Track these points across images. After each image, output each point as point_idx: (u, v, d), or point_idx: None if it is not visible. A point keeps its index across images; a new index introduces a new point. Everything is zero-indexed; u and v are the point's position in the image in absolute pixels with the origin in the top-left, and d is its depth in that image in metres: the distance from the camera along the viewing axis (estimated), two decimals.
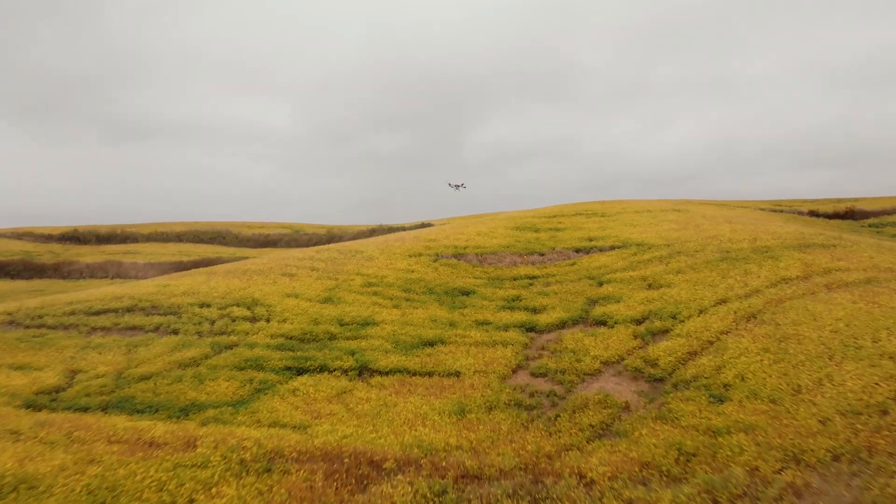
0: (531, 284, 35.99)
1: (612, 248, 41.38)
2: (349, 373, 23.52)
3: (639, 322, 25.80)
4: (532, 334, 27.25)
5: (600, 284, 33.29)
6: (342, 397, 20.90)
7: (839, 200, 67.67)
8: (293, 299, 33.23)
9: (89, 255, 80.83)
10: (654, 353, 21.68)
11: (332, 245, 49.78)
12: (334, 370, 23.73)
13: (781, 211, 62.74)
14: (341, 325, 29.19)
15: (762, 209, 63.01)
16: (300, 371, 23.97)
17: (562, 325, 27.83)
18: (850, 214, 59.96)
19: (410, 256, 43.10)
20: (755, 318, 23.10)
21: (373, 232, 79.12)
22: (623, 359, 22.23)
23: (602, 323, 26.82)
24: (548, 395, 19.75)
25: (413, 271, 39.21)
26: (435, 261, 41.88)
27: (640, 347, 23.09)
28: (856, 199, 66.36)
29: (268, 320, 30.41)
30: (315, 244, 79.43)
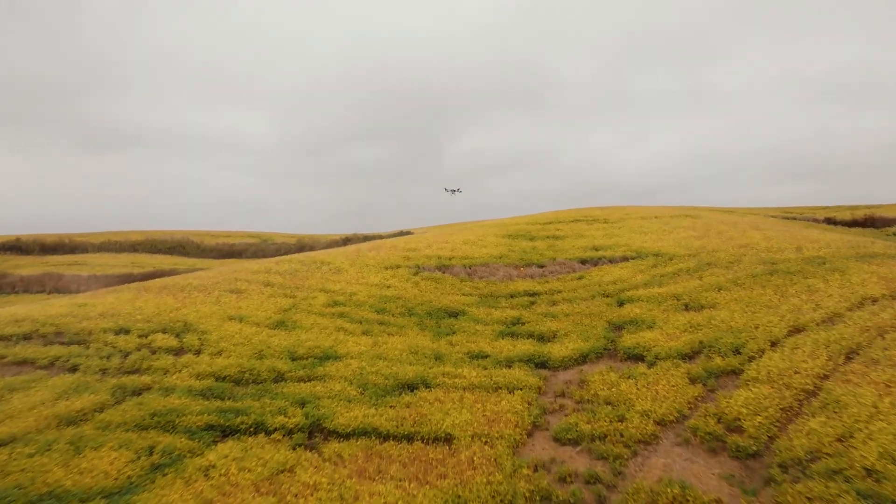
0: (533, 303, 29.46)
1: (625, 258, 35.10)
2: (294, 435, 16.58)
3: (689, 357, 19.35)
4: (544, 372, 20.66)
5: (621, 304, 26.89)
6: (277, 484, 13.94)
7: (854, 207, 62.78)
8: (236, 323, 26.19)
9: (28, 266, 72.34)
10: (731, 409, 15.19)
11: (294, 255, 42.72)
12: (274, 431, 16.79)
13: (794, 218, 57.36)
14: (293, 360, 22.26)
15: (773, 216, 57.55)
16: (226, 432, 16.98)
17: (581, 358, 21.31)
18: (870, 222, 54.77)
19: (386, 269, 36.32)
20: (858, 354, 16.80)
21: (347, 241, 72.05)
22: (685, 416, 15.70)
23: (637, 358, 20.34)
24: (588, 482, 13.09)
25: (389, 287, 32.42)
26: (415, 274, 35.17)
27: (704, 398, 16.58)
28: (871, 206, 61.57)
29: (198, 352, 23.33)
30: (284, 254, 72.16)
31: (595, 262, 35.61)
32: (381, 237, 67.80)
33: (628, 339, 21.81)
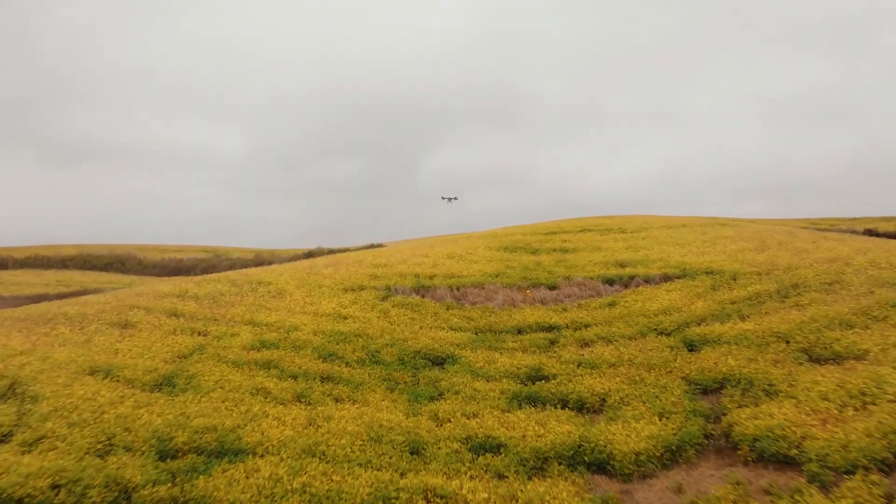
0: (554, 342, 20.35)
1: (666, 277, 26.27)
2: None
3: (889, 468, 10.32)
4: (607, 485, 11.49)
5: (691, 348, 17.91)
6: None
7: (888, 219, 55.47)
8: (96, 381, 16.41)
9: None
10: None
11: (228, 273, 32.87)
12: None
13: (827, 230, 49.54)
14: (161, 459, 12.63)
15: (805, 227, 49.65)
16: None
17: (670, 456, 12.23)
18: None
19: (346, 291, 26.88)
20: None
21: (310, 255, 62.20)
22: None
23: (780, 462, 11.25)
24: None
25: (346, 317, 22.99)
26: (384, 299, 25.81)
27: None
28: None
29: (8, 438, 13.60)
30: (240, 269, 62.04)
31: (626, 283, 26.67)
32: (348, 251, 58.23)
33: (744, 419, 12.70)
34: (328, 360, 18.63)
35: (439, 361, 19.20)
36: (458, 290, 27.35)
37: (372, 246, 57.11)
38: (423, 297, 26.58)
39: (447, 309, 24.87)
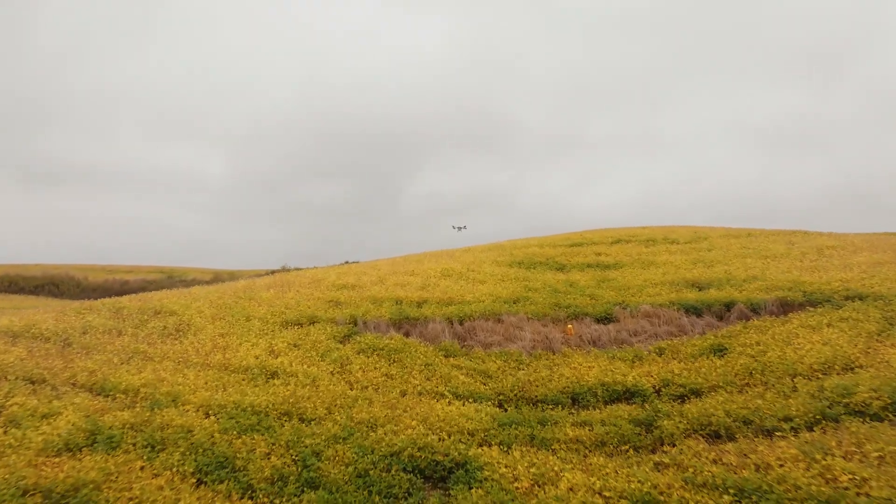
0: (648, 428, 10.88)
1: (785, 303, 17.02)
2: None
3: None
4: None
5: None
6: None
7: None
8: None
9: None
10: None
11: (120, 298, 22.72)
12: None
13: None
14: None
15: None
16: None
17: None
18: None
19: (285, 327, 17.23)
20: None
21: (272, 275, 52.16)
22: None
23: None
24: None
25: (275, 375, 13.33)
26: (346, 339, 16.23)
27: None
28: None
29: None
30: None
31: (718, 312, 17.43)
32: (316, 269, 48.40)
33: None
34: (210, 483, 8.93)
35: (440, 478, 9.62)
36: (462, 324, 17.87)
37: (347, 263, 47.50)
38: (406, 334, 17.05)
39: (446, 356, 15.34)
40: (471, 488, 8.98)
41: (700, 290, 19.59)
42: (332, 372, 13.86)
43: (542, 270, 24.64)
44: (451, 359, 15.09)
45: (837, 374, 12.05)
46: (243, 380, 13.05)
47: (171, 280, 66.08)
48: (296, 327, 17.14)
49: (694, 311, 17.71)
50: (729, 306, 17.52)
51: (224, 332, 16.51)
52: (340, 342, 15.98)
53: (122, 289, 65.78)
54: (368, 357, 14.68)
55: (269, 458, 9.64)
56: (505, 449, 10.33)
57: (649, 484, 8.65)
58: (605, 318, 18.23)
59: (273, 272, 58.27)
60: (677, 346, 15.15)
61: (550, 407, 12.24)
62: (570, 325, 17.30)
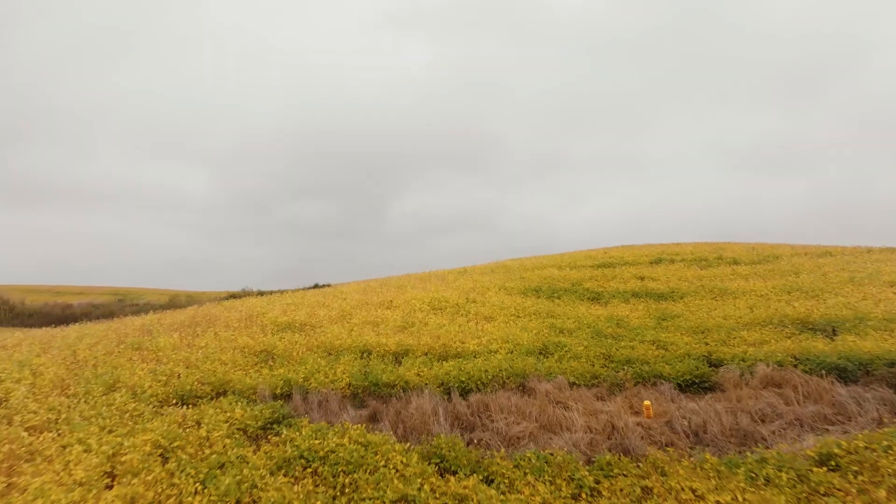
0: None
1: None
2: None
3: None
4: None
5: None
6: None
7: None
8: None
9: None
10: None
11: None
12: None
13: None
14: None
15: None
16: None
17: None
18: None
19: (170, 404, 10.12)
20: None
21: (232, 299, 44.89)
22: None
23: None
24: None
25: None
26: (262, 433, 9.13)
27: None
28: None
29: None
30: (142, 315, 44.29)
31: (890, 377, 10.60)
32: (284, 293, 41.26)
33: None
34: None
35: None
36: (466, 397, 10.87)
37: (317, 286, 40.08)
38: (374, 419, 10.05)
39: (442, 474, 8.31)
40: None
41: (825, 336, 12.84)
42: None
43: (571, 301, 17.74)
44: (452, 479, 8.05)
45: None
46: None
47: (122, 304, 58.34)
48: (185, 407, 10.02)
49: (838, 372, 10.92)
50: (894, 364, 10.76)
51: (51, 419, 9.36)
52: (252, 441, 8.90)
53: (63, 314, 57.91)
54: (294, 485, 7.59)
55: None
56: None
57: None
58: (692, 384, 11.38)
59: (232, 295, 50.90)
60: (861, 449, 8.26)
61: None
62: (647, 402, 10.36)
